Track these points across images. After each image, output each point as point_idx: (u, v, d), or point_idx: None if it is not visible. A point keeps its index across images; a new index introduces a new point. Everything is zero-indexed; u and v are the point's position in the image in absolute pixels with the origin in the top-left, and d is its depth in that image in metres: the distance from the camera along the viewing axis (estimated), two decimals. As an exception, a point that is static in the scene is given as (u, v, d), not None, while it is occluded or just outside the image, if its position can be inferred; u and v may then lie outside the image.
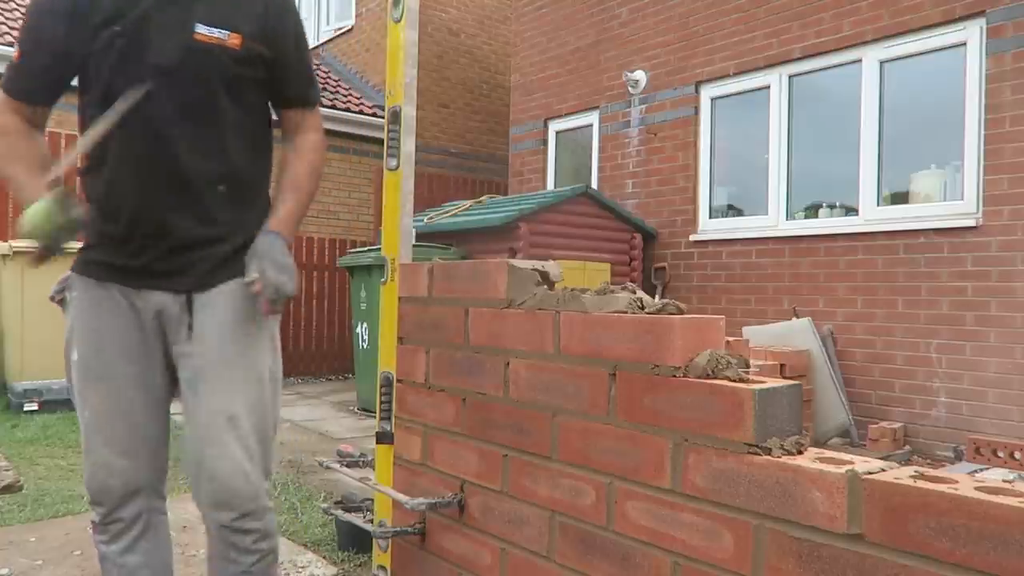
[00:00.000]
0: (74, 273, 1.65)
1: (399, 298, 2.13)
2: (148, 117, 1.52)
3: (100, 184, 1.58)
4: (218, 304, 1.59)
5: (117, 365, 1.59)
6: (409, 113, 2.20)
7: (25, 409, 5.41)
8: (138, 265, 1.58)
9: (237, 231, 1.63)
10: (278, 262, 1.53)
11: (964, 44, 4.98)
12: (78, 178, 1.67)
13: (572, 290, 1.61)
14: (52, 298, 1.66)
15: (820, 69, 5.79)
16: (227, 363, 1.58)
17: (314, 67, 1.72)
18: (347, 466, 2.38)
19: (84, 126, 1.58)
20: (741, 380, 1.28)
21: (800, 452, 1.19)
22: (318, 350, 8.44)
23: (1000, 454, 4.31)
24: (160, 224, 1.56)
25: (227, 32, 1.55)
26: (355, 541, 2.73)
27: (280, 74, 1.67)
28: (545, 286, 1.71)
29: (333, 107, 9.55)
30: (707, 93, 6.53)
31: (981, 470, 4.14)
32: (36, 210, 1.38)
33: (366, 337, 5.97)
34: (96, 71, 1.55)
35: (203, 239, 1.59)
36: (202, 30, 1.53)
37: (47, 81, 1.60)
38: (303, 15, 13.40)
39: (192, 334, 1.59)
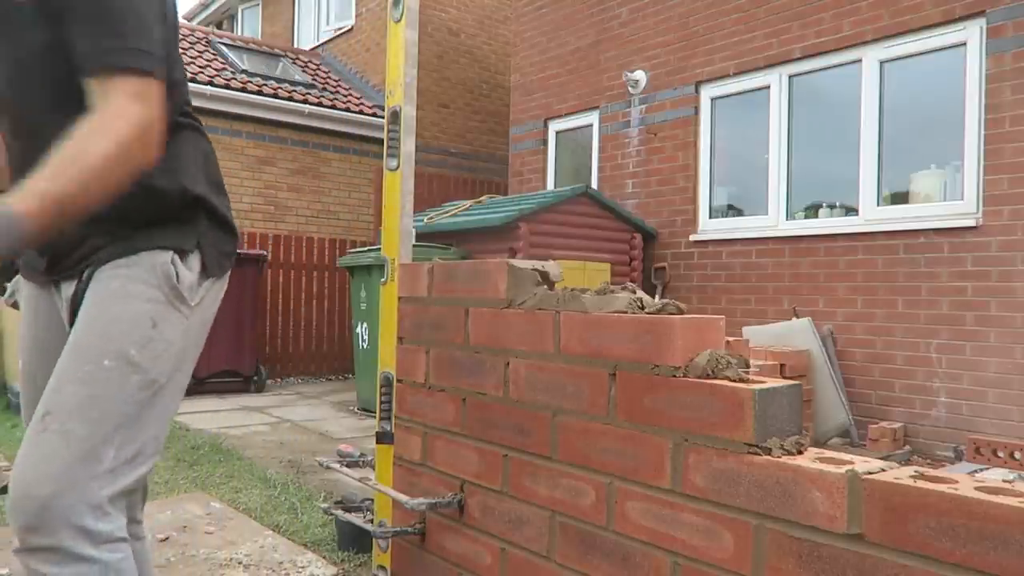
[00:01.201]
0: (21, 277, 1.49)
1: (399, 298, 2.13)
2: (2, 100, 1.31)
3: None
4: (96, 282, 1.33)
5: None
6: (409, 113, 2.20)
7: (25, 409, 5.40)
8: (49, 261, 1.39)
9: (107, 226, 1.32)
10: None
11: (964, 44, 4.98)
12: None
13: (572, 290, 1.61)
14: (6, 302, 1.52)
15: (820, 69, 5.79)
16: (68, 349, 1.27)
17: (130, 17, 1.20)
18: (347, 466, 2.38)
19: None
20: (741, 380, 1.28)
21: (800, 452, 1.19)
22: (318, 350, 8.45)
23: (1000, 454, 4.31)
24: None
25: None
26: (355, 541, 2.73)
27: (67, 26, 1.20)
28: (545, 286, 1.71)
29: (333, 107, 9.55)
30: (707, 93, 6.53)
31: (981, 470, 4.14)
32: None
33: (366, 337, 5.97)
34: None
35: (78, 235, 1.33)
36: None
37: None
38: (303, 15, 13.40)
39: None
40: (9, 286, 1.55)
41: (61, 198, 1.08)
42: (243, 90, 8.81)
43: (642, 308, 1.48)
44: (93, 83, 1.18)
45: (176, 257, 1.35)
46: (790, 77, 5.98)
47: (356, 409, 6.18)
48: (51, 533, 1.15)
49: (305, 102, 9.26)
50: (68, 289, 1.39)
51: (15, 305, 1.53)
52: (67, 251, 1.35)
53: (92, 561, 1.17)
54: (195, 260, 1.38)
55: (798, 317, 5.55)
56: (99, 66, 1.17)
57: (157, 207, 1.34)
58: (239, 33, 13.75)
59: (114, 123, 1.15)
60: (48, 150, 1.18)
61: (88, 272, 1.33)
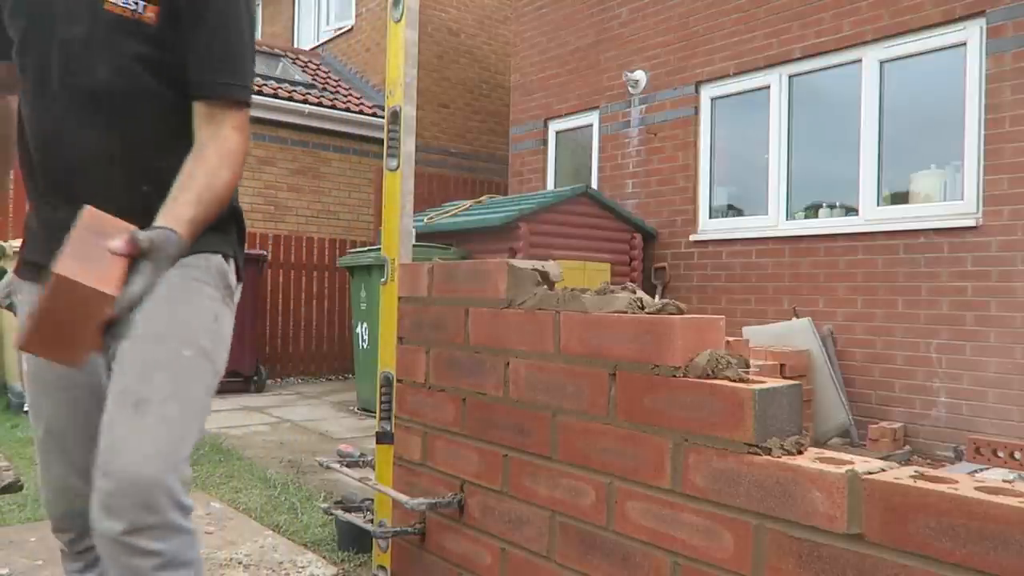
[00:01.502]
0: (16, 277, 1.48)
1: (399, 298, 2.13)
2: (62, 105, 1.35)
3: (27, 178, 1.43)
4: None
5: (72, 375, 1.40)
6: (409, 113, 2.20)
7: (25, 409, 5.41)
8: None
9: None
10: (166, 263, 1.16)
11: (964, 44, 4.98)
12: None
13: (572, 290, 1.61)
14: (1, 303, 1.50)
15: (820, 69, 5.79)
16: (147, 338, 1.32)
17: (246, 58, 1.40)
18: (347, 466, 2.38)
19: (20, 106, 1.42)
20: (741, 380, 1.28)
21: (800, 452, 1.19)
22: (318, 350, 8.44)
23: (1000, 454, 4.31)
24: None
25: (142, 2, 1.32)
26: (355, 541, 2.73)
27: (183, 51, 1.35)
28: (545, 286, 1.71)
29: (333, 107, 9.55)
30: (707, 93, 6.53)
31: (981, 470, 4.14)
32: None
33: (366, 337, 5.97)
34: (11, 38, 1.37)
35: None
36: None
37: None
38: (303, 15, 13.35)
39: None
40: (2, 288, 1.51)
41: (199, 223, 1.24)
42: (243, 90, 8.79)
43: (642, 308, 1.48)
44: (204, 107, 1.34)
45: (223, 260, 1.45)
46: (790, 77, 5.98)
47: (356, 409, 6.18)
48: (160, 510, 1.23)
49: (305, 102, 9.26)
50: None
51: (11, 307, 1.50)
52: None
53: (187, 532, 1.27)
54: (233, 265, 1.48)
55: (798, 317, 5.55)
56: (217, 96, 1.34)
57: None
58: (239, 33, 13.72)
59: (232, 154, 1.33)
60: (107, 150, 1.33)
61: None
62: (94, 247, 1.05)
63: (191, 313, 1.37)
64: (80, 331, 1.03)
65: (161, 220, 1.18)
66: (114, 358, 1.34)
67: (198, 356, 1.35)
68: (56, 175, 1.39)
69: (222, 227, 1.46)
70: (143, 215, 1.31)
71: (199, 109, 1.35)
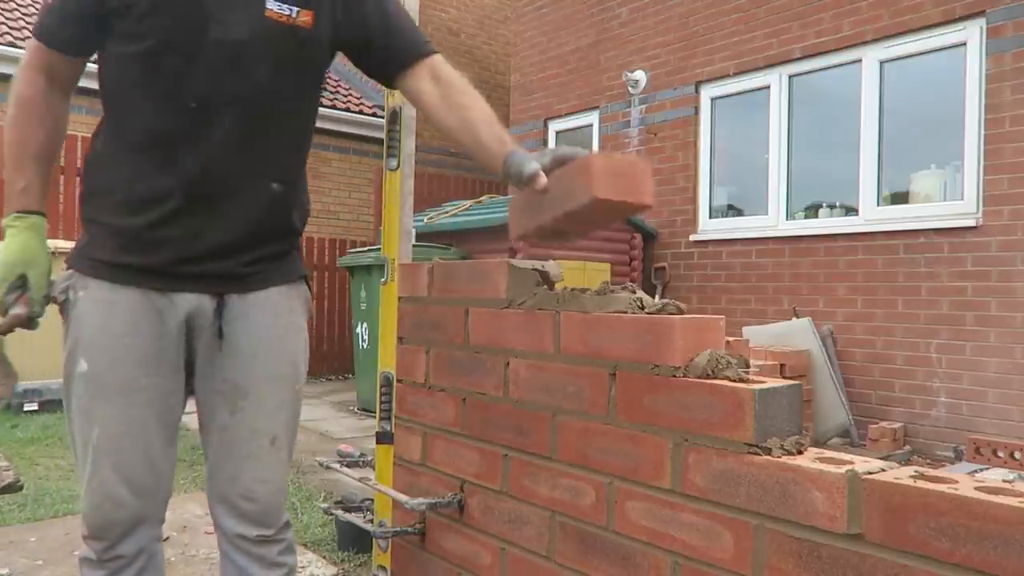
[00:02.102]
0: (78, 273, 1.43)
1: (399, 298, 2.13)
2: (203, 105, 1.36)
3: (124, 175, 1.39)
4: (262, 310, 1.49)
5: (137, 378, 1.40)
6: (409, 113, 2.21)
7: (25, 409, 5.41)
8: (165, 267, 1.40)
9: (281, 233, 1.53)
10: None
11: (964, 44, 4.98)
12: (83, 164, 1.48)
13: (572, 290, 1.61)
14: (54, 298, 1.46)
15: (820, 69, 5.79)
16: (273, 380, 1.51)
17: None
18: (347, 466, 2.38)
19: (110, 105, 1.41)
20: (741, 380, 1.28)
21: (800, 452, 1.19)
22: (318, 350, 8.44)
23: (1000, 454, 4.31)
24: (199, 227, 1.40)
25: (296, 8, 1.39)
26: (355, 541, 2.73)
27: (390, 40, 1.53)
28: (545, 286, 1.71)
29: (333, 107, 9.55)
30: (707, 93, 6.53)
31: (981, 470, 4.14)
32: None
33: (366, 337, 5.97)
34: (134, 36, 1.34)
35: (246, 242, 1.46)
36: (272, 5, 1.36)
37: (89, 29, 1.37)
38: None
39: (225, 342, 1.46)
40: (60, 283, 1.45)
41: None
42: (243, 90, 8.79)
43: (642, 308, 1.48)
44: (422, 65, 1.53)
45: (306, 283, 1.63)
46: (790, 77, 5.98)
47: (356, 409, 6.18)
48: (284, 512, 1.60)
49: (305, 102, 9.25)
50: (182, 300, 1.43)
51: (64, 303, 1.44)
52: (199, 260, 1.43)
53: (294, 550, 1.64)
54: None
55: (798, 317, 5.55)
56: (428, 52, 1.54)
57: (300, 230, 1.60)
58: (239, 33, 13.72)
59: (469, 83, 1.54)
60: (250, 150, 1.41)
61: (226, 294, 1.46)
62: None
63: (297, 347, 1.56)
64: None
65: (513, 145, 1.42)
66: (220, 380, 1.48)
67: (301, 388, 1.59)
68: (185, 174, 1.38)
69: (299, 245, 1.63)
70: (268, 210, 1.47)
71: (415, 70, 1.53)
